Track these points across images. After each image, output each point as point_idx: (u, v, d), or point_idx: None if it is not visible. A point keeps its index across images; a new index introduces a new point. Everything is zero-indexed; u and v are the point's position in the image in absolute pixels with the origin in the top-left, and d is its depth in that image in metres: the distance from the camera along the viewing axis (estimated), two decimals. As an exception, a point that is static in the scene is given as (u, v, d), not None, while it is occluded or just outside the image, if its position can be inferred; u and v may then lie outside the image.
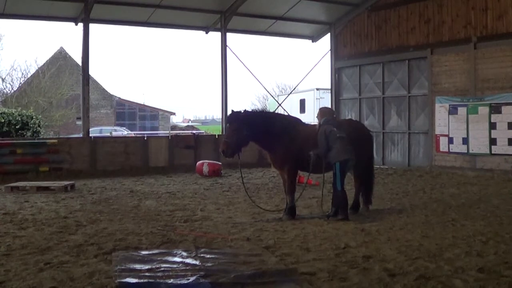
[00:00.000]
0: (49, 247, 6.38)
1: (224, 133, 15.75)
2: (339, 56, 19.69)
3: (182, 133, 29.01)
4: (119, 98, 45.80)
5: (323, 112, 8.62)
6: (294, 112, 23.46)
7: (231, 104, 34.18)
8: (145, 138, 17.50)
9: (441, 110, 15.83)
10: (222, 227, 7.64)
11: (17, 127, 17.25)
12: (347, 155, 8.10)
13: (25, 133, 17.33)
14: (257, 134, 8.34)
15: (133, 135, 28.30)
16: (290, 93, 26.48)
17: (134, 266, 5.40)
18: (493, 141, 14.40)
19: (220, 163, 15.10)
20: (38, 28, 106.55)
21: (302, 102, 30.36)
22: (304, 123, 9.26)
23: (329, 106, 9.13)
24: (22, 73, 37.32)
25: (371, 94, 18.56)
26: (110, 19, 17.52)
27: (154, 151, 16.54)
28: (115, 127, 38.35)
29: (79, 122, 23.80)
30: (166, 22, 18.29)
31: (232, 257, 5.82)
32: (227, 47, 18.17)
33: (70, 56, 40.57)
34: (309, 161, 8.19)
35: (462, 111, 15.19)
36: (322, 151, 8.10)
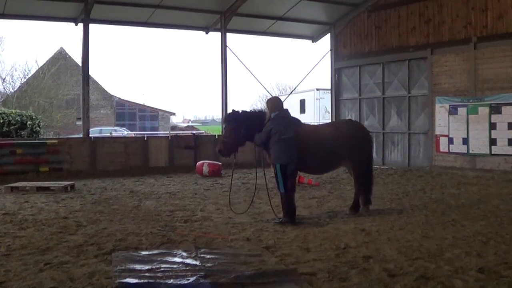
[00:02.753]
0: (49, 247, 6.38)
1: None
2: (339, 56, 19.69)
3: (182, 133, 29.01)
4: (119, 98, 45.82)
5: (273, 103, 8.18)
6: (294, 113, 23.43)
7: (231, 104, 34.18)
8: (145, 138, 17.50)
9: (441, 110, 15.83)
10: (222, 228, 7.65)
11: (16, 127, 17.25)
12: (288, 158, 7.87)
13: (24, 134, 17.34)
14: (255, 133, 8.33)
15: (133, 135, 28.30)
16: (290, 93, 26.50)
17: (134, 266, 5.40)
18: (493, 142, 14.40)
19: (220, 163, 15.09)
20: (38, 28, 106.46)
21: (302, 103, 30.40)
22: (303, 124, 9.24)
23: (278, 97, 8.58)
24: (24, 74, 37.43)
25: (371, 94, 18.56)
26: (110, 19, 17.50)
27: (154, 151, 16.55)
28: (115, 127, 38.33)
29: (79, 123, 23.79)
30: (166, 22, 18.28)
31: (232, 257, 5.82)
32: (227, 47, 18.17)
33: (70, 56, 40.60)
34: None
35: (462, 111, 15.20)
36: (260, 144, 7.99)
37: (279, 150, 7.87)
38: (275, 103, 8.24)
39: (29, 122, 17.70)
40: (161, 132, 37.56)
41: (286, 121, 8.08)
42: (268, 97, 8.53)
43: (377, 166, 16.20)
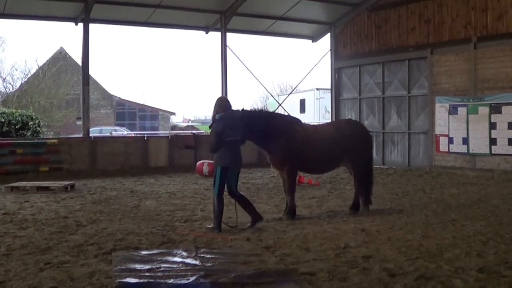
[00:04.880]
0: (49, 247, 6.38)
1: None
2: (339, 56, 19.69)
3: (182, 133, 28.98)
4: (119, 98, 45.80)
5: (218, 105, 7.87)
6: (294, 112, 23.46)
7: (231, 104, 34.06)
8: (145, 138, 17.50)
9: (441, 110, 15.83)
10: (222, 227, 7.64)
11: (17, 127, 17.26)
12: (229, 162, 7.55)
13: (25, 133, 17.35)
14: (255, 133, 8.32)
15: (133, 135, 28.27)
16: (290, 93, 26.49)
17: (134, 266, 5.40)
18: (493, 141, 14.40)
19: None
20: (38, 28, 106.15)
21: (302, 102, 30.38)
22: (303, 123, 9.26)
23: (225, 97, 8.06)
24: (24, 73, 37.40)
25: (371, 94, 18.56)
26: (110, 19, 17.52)
27: (154, 151, 16.55)
28: (115, 127, 38.32)
29: (79, 122, 23.81)
30: (166, 22, 18.28)
31: (232, 257, 5.82)
32: (227, 47, 18.17)
33: (70, 56, 40.55)
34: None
35: (462, 111, 15.19)
36: (213, 149, 7.64)
37: (223, 152, 7.55)
38: (220, 104, 7.90)
39: (31, 122, 17.71)
40: (161, 132, 37.53)
41: (232, 123, 7.72)
42: (218, 97, 8.08)
43: (377, 166, 16.19)
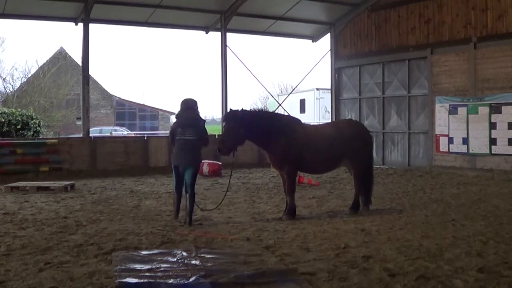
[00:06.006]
0: (49, 247, 6.38)
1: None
2: (339, 56, 19.69)
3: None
4: (119, 98, 45.84)
5: (181, 104, 8.32)
6: (294, 112, 23.46)
7: (231, 104, 34.13)
8: (145, 138, 17.50)
9: (441, 110, 15.83)
10: (222, 227, 7.65)
11: (17, 127, 17.26)
12: (178, 161, 8.04)
13: (25, 133, 17.35)
14: (254, 133, 8.34)
15: (133, 135, 28.27)
16: (290, 93, 26.48)
17: (134, 266, 5.40)
18: (493, 141, 14.40)
19: (220, 163, 15.08)
20: (38, 28, 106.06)
21: (302, 102, 30.38)
22: (303, 123, 9.26)
23: (188, 98, 8.41)
24: (24, 73, 37.41)
25: (371, 94, 18.56)
26: (110, 19, 17.52)
27: (154, 151, 16.54)
28: (115, 127, 38.34)
29: (79, 122, 23.81)
30: (166, 22, 18.29)
31: (232, 257, 5.82)
32: (227, 47, 18.17)
33: (70, 56, 40.60)
34: None
35: (462, 111, 15.19)
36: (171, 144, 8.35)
37: (176, 150, 8.15)
38: (180, 105, 8.33)
39: (31, 122, 17.71)
40: (161, 132, 37.54)
41: (184, 123, 8.07)
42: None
43: (377, 166, 16.20)
